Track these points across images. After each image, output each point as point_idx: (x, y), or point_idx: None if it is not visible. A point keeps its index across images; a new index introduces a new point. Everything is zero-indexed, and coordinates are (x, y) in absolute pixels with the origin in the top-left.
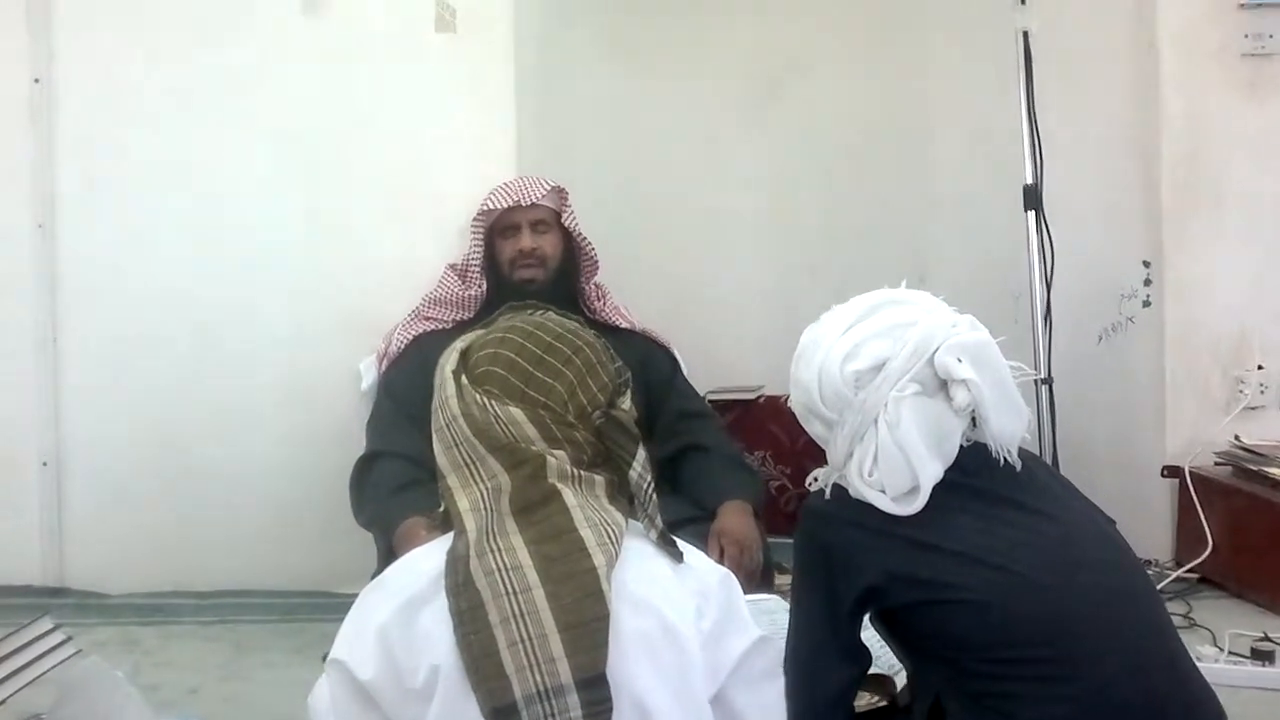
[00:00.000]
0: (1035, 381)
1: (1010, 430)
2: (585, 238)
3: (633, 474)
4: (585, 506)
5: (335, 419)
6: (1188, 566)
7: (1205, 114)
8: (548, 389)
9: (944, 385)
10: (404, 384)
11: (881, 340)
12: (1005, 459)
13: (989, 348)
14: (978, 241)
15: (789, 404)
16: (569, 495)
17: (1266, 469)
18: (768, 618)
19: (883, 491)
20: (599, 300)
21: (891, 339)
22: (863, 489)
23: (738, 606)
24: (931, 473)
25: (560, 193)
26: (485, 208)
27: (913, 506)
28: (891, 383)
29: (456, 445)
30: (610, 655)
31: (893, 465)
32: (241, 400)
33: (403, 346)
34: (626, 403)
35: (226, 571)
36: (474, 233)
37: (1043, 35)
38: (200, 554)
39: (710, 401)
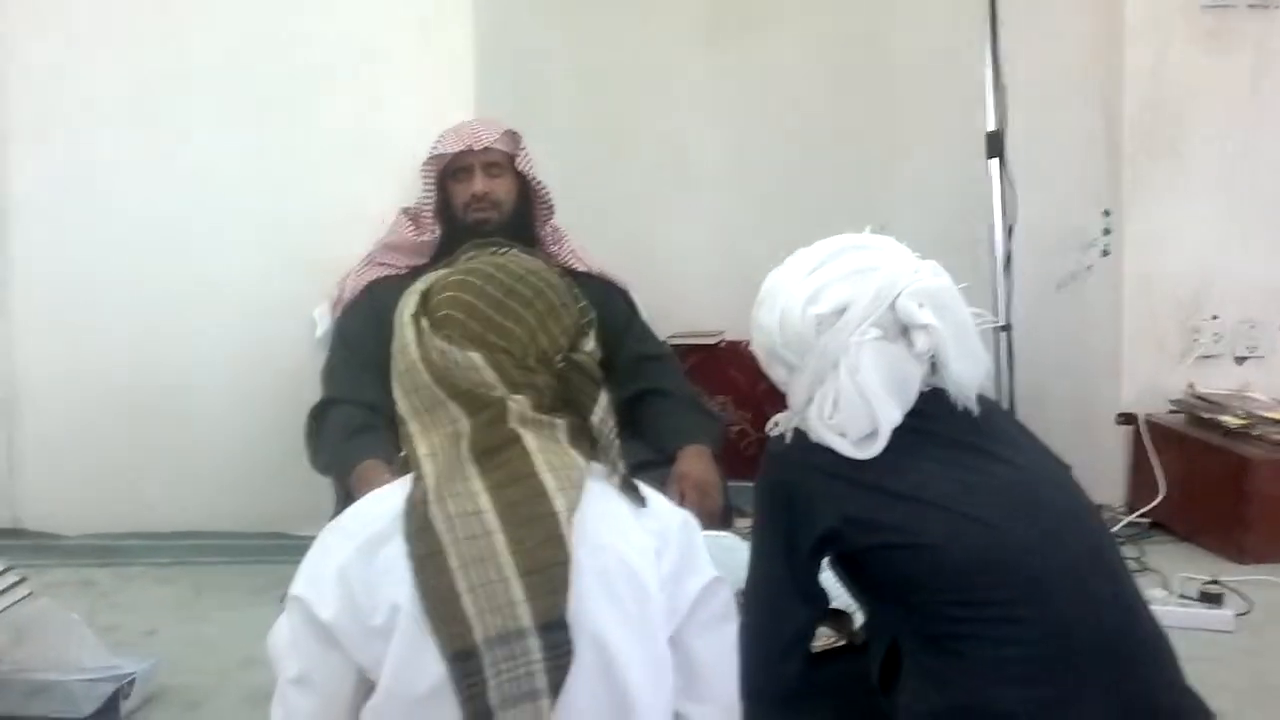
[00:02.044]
0: (995, 328)
1: (970, 376)
2: (540, 181)
3: (594, 419)
4: (546, 451)
5: (291, 360)
6: (1140, 511)
7: (1167, 64)
8: (508, 333)
9: (905, 330)
10: (358, 330)
11: (844, 284)
12: (964, 405)
13: (950, 294)
14: (940, 188)
15: (751, 348)
16: (530, 440)
17: (1219, 417)
18: (727, 554)
19: (842, 435)
20: (555, 244)
21: (854, 283)
22: (823, 432)
23: (697, 549)
24: (891, 417)
25: (513, 135)
26: (436, 151)
27: (872, 450)
28: (853, 327)
29: (416, 391)
30: (570, 597)
31: (853, 409)
32: (197, 341)
33: (356, 292)
34: (590, 344)
35: (183, 513)
36: (425, 177)
37: None
38: (157, 496)
39: (671, 346)
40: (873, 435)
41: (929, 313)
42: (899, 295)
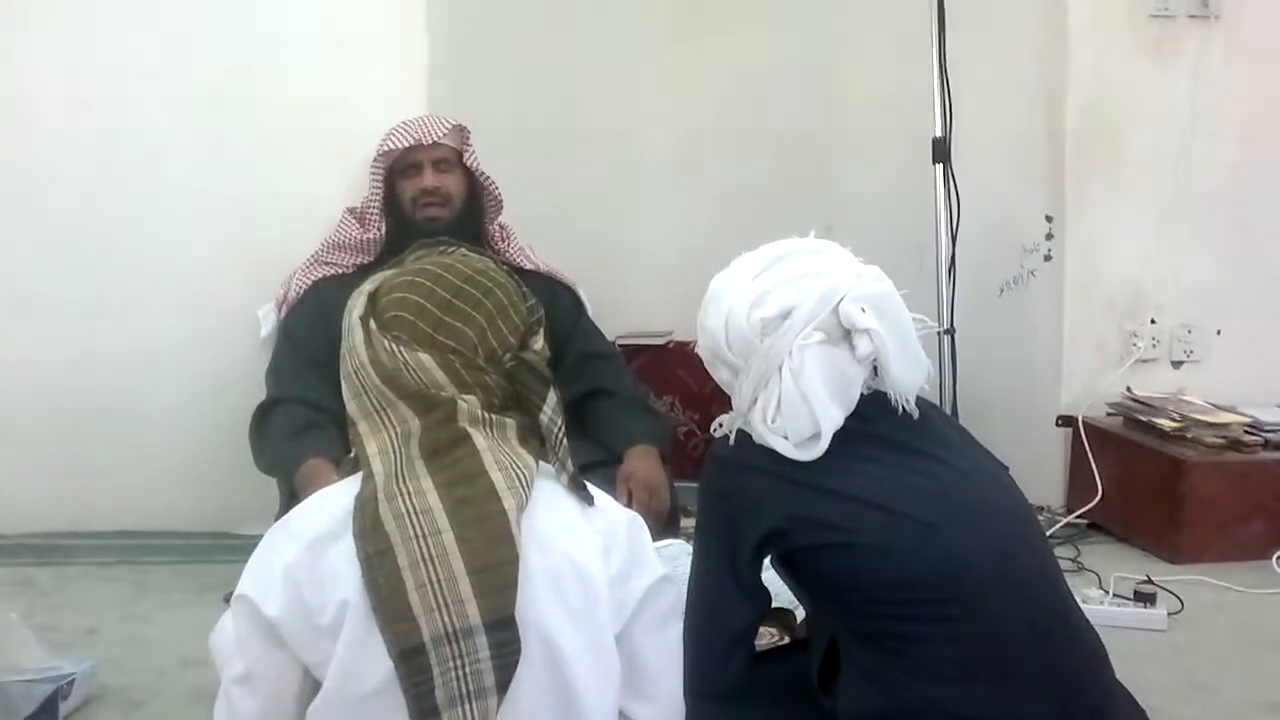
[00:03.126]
0: (938, 332)
1: (910, 380)
2: (488, 177)
3: (543, 418)
4: (496, 450)
5: (237, 358)
6: (1078, 513)
7: (1111, 73)
8: (458, 334)
9: (847, 334)
10: (303, 330)
11: (788, 288)
12: (904, 407)
13: (892, 299)
14: (885, 192)
15: (696, 350)
16: (479, 438)
17: (1155, 420)
18: (672, 563)
19: (785, 437)
20: (503, 241)
21: (798, 287)
22: (765, 434)
23: (644, 548)
24: (832, 419)
25: (462, 131)
26: (385, 148)
27: (814, 452)
28: (796, 331)
29: (366, 392)
30: (519, 595)
31: (795, 412)
32: (141, 338)
33: (301, 292)
34: (539, 342)
35: (125, 511)
36: (373, 174)
37: None
38: (98, 494)
39: (620, 346)
40: (815, 437)
41: (871, 317)
42: (842, 300)
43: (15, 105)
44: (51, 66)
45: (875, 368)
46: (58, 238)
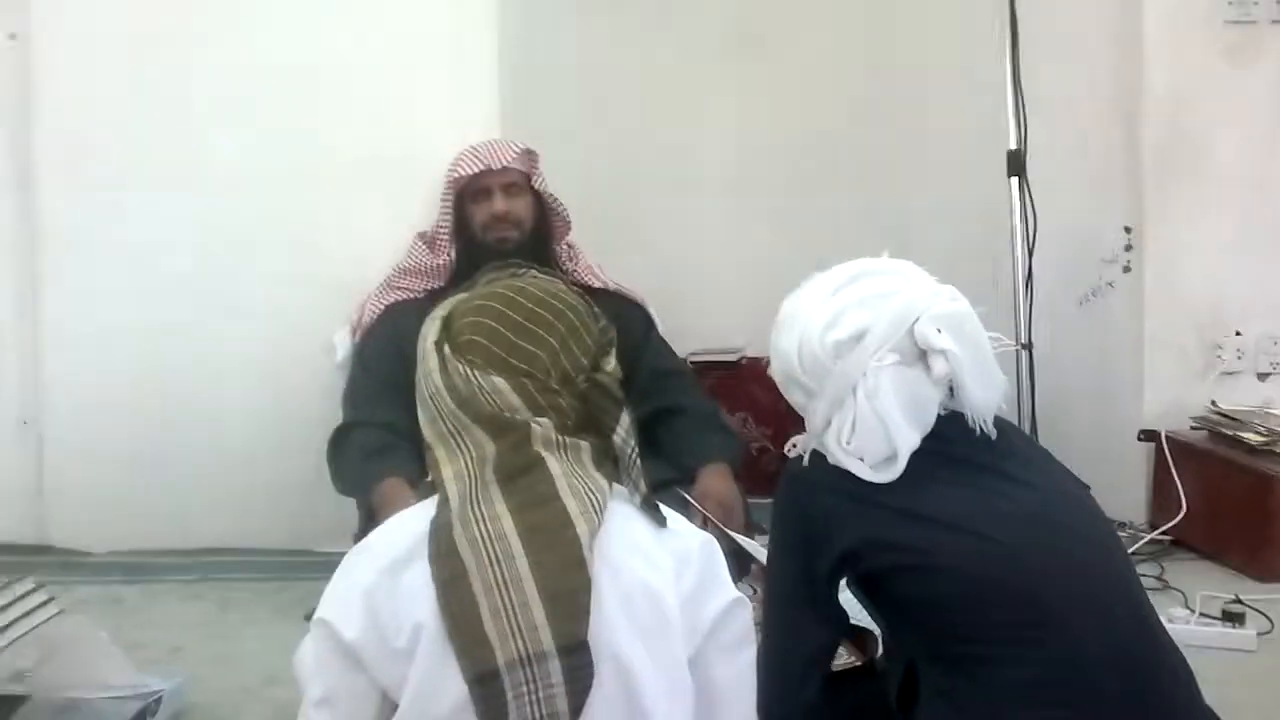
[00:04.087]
0: (1015, 348)
1: (987, 400)
2: (556, 198)
3: (617, 439)
4: (569, 475)
5: (314, 380)
6: (1162, 529)
7: (1188, 81)
8: (531, 357)
9: (923, 355)
10: (377, 354)
11: (862, 310)
12: (982, 428)
13: (969, 318)
14: (960, 206)
15: (769, 372)
16: (553, 463)
17: (1241, 434)
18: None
19: (860, 459)
20: (571, 261)
21: (872, 309)
22: (841, 457)
23: (717, 569)
24: (909, 441)
25: (530, 155)
26: (455, 174)
27: (890, 474)
28: (870, 352)
29: (442, 418)
30: (591, 619)
31: (871, 434)
32: (224, 359)
33: (374, 317)
34: (611, 363)
35: (209, 530)
36: (444, 199)
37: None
38: (182, 513)
39: (691, 364)
40: (891, 459)
41: (947, 338)
42: (917, 320)
43: (101, 142)
44: (130, 97)
45: (951, 388)
46: (139, 264)
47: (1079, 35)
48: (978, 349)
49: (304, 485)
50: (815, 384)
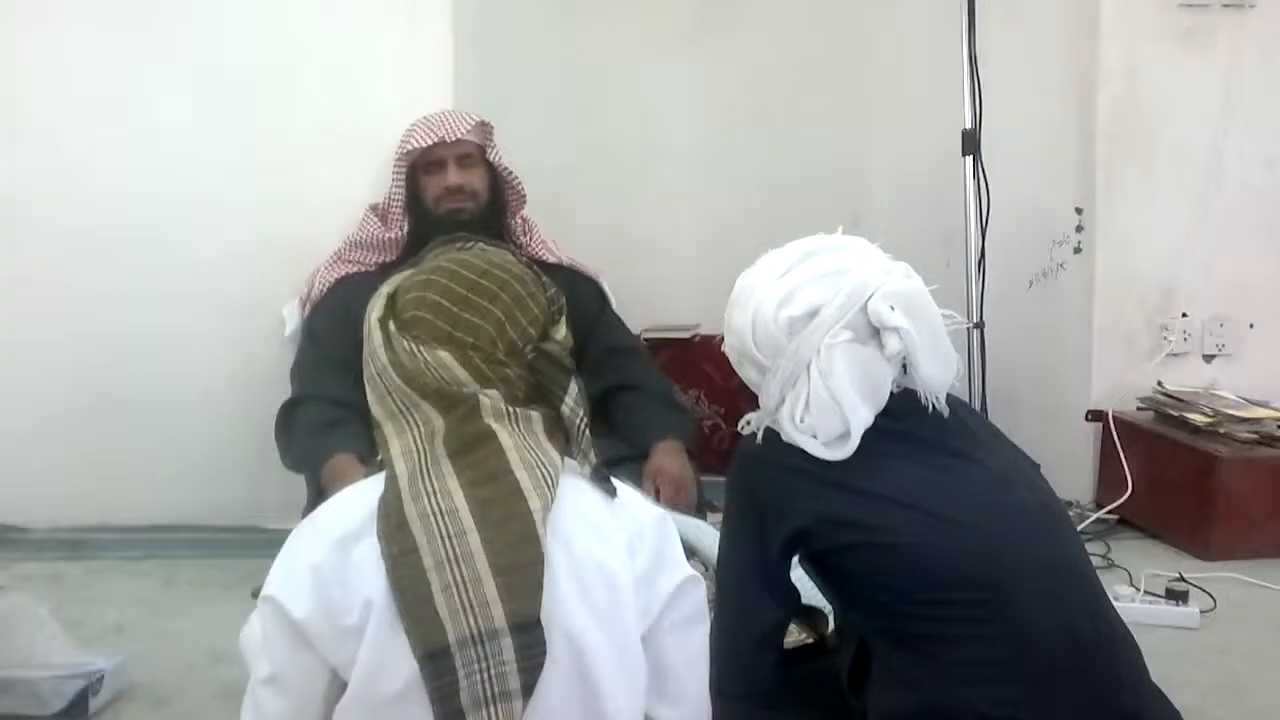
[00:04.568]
0: (967, 326)
1: (940, 378)
2: (511, 171)
3: (565, 409)
4: (521, 447)
5: (263, 354)
6: (1108, 508)
7: (1142, 63)
8: (475, 329)
9: (876, 333)
10: (327, 328)
11: (815, 286)
12: (934, 405)
13: (922, 296)
14: (912, 185)
15: (723, 348)
16: (504, 435)
17: (1186, 414)
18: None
19: (814, 437)
20: (525, 234)
21: (825, 285)
22: (794, 434)
23: (671, 546)
24: (862, 419)
25: (485, 127)
26: (408, 146)
27: (843, 451)
28: (825, 329)
29: (390, 394)
30: (544, 597)
31: (824, 411)
32: (169, 334)
33: (324, 290)
34: (561, 331)
35: (153, 506)
36: (396, 171)
37: None
38: (126, 488)
39: (645, 340)
40: (844, 437)
41: (900, 315)
42: (870, 297)
43: (45, 103)
44: (80, 65)
45: (905, 366)
46: (85, 234)
47: (1035, 15)
48: (931, 327)
49: (251, 460)
50: (769, 361)
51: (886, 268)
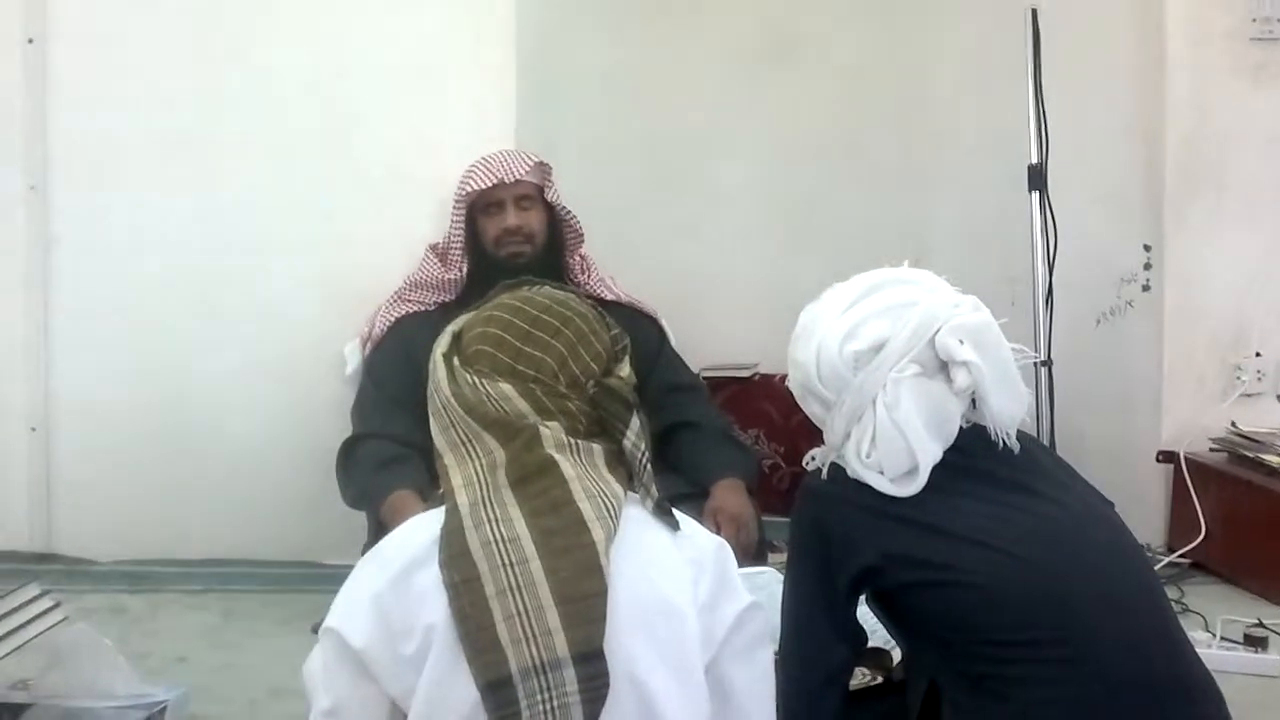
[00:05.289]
0: (1035, 364)
1: (1010, 412)
2: (569, 210)
3: (627, 443)
4: (584, 478)
5: (325, 393)
6: (1181, 552)
7: (1210, 98)
8: (537, 362)
9: (944, 366)
10: (386, 367)
11: (881, 320)
12: (1004, 441)
13: (991, 329)
14: (977, 221)
15: (786, 383)
16: (566, 466)
17: (1262, 455)
18: (764, 592)
19: (881, 473)
20: (584, 273)
21: (892, 319)
22: (860, 470)
23: (731, 574)
24: (930, 454)
25: (543, 167)
26: (467, 188)
27: (911, 488)
28: (891, 364)
29: (453, 425)
30: (607, 627)
31: (891, 446)
32: (233, 369)
33: (385, 330)
34: (625, 369)
35: (215, 540)
36: (455, 212)
37: (1051, 14)
38: (189, 522)
39: (704, 379)
40: (912, 473)
41: (969, 349)
42: (938, 331)
43: (113, 144)
44: (147, 106)
45: (974, 401)
46: (151, 273)
47: (1101, 49)
48: (1000, 361)
49: (312, 497)
50: (833, 395)
51: (955, 300)
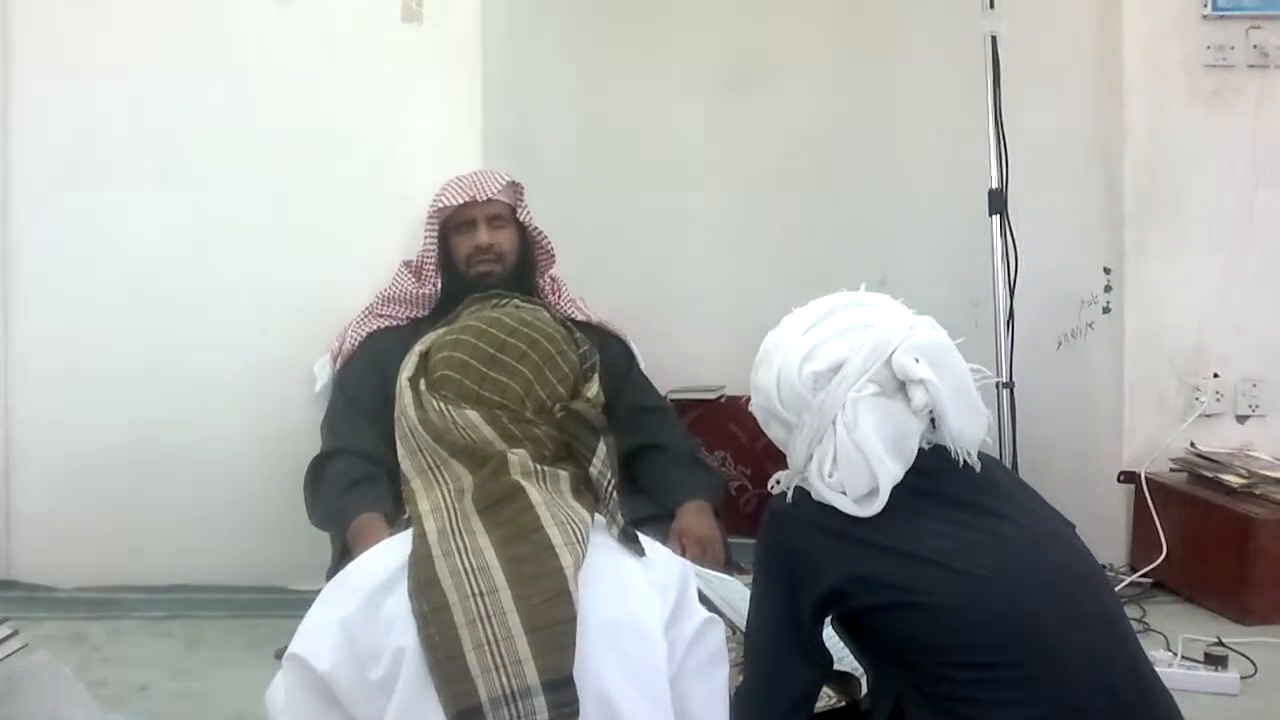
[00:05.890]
0: (996, 385)
1: (969, 432)
2: (540, 231)
3: (592, 470)
4: (551, 504)
5: (292, 413)
6: (1142, 571)
7: (1167, 123)
8: (502, 388)
9: (902, 386)
10: (357, 382)
11: (839, 341)
12: (965, 461)
13: (947, 349)
14: (939, 245)
15: (750, 408)
16: (533, 492)
17: (1221, 475)
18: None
19: (843, 493)
20: (554, 294)
21: (849, 340)
22: (824, 491)
23: (690, 593)
24: (890, 473)
25: (515, 187)
26: (439, 205)
27: (873, 507)
28: (849, 384)
29: (420, 451)
30: (576, 653)
31: (851, 466)
32: (196, 394)
33: (356, 344)
34: (593, 389)
35: (178, 566)
36: (428, 230)
37: (1010, 40)
38: (151, 548)
39: (671, 401)
40: (873, 493)
41: (925, 367)
42: (894, 351)
43: (78, 167)
44: (113, 127)
45: (933, 421)
46: (116, 295)
47: (1060, 76)
48: (957, 379)
49: (279, 520)
50: (794, 417)
51: (910, 322)
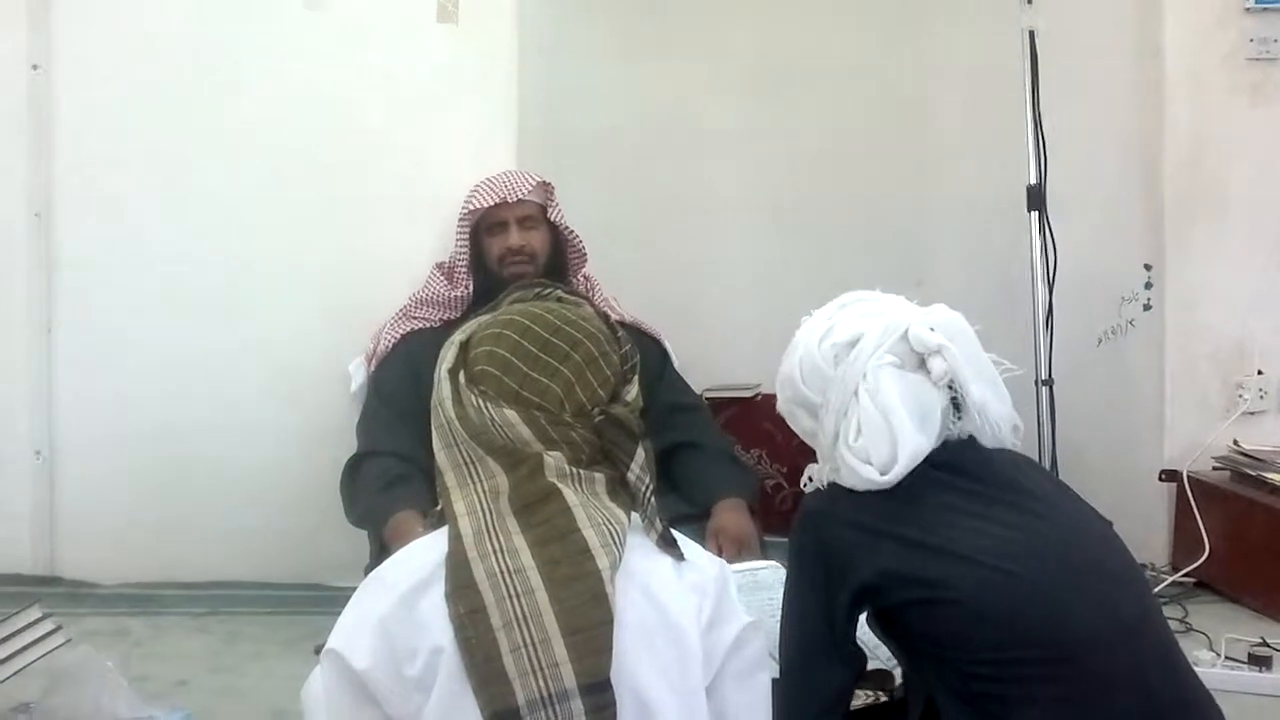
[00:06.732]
0: (1035, 382)
1: (994, 406)
2: (572, 230)
3: (630, 475)
4: (587, 505)
5: (330, 412)
6: (1184, 571)
7: (1209, 118)
8: (542, 389)
9: (921, 362)
10: (392, 383)
11: (855, 320)
12: (997, 442)
13: (962, 325)
14: (980, 242)
15: (777, 409)
16: (569, 494)
17: (1264, 474)
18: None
19: (869, 462)
20: (588, 293)
21: (865, 319)
22: (852, 461)
23: (731, 597)
24: (913, 441)
25: (546, 186)
26: (470, 206)
27: (894, 474)
28: (868, 354)
29: (456, 445)
30: (613, 656)
31: (875, 432)
32: (236, 392)
33: (390, 346)
34: (632, 391)
35: (218, 563)
36: (460, 232)
37: (1049, 35)
38: (192, 545)
39: (706, 399)
40: (895, 460)
41: (941, 335)
42: (910, 325)
43: (118, 171)
44: (152, 132)
45: (957, 404)
46: (154, 296)
47: (1099, 70)
48: (976, 356)
49: (316, 518)
50: (819, 396)
51: (924, 310)
